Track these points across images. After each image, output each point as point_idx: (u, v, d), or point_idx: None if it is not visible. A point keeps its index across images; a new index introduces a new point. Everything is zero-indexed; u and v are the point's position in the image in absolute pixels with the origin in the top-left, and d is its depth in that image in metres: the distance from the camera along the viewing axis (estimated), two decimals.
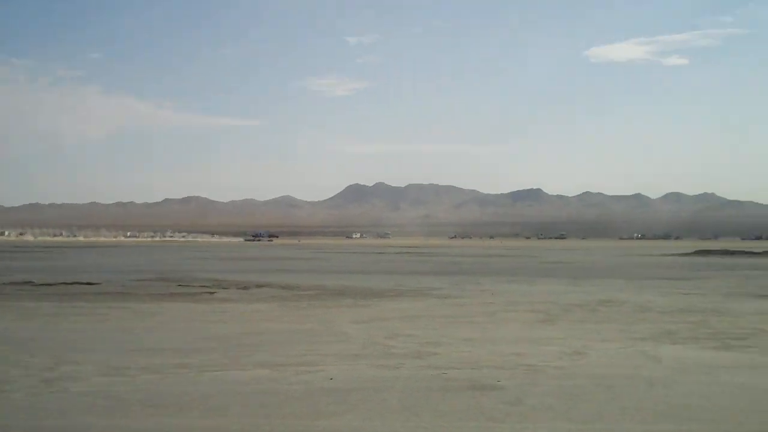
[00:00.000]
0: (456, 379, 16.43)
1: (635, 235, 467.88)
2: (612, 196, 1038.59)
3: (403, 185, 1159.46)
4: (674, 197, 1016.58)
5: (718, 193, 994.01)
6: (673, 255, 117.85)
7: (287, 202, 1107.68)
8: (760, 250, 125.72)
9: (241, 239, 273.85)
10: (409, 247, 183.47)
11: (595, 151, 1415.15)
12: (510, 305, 33.89)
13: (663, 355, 19.96)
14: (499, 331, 24.80)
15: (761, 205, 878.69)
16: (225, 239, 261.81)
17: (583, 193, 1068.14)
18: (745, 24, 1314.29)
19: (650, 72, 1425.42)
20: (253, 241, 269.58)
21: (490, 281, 51.81)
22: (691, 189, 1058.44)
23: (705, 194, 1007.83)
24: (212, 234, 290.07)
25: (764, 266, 77.64)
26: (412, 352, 20.25)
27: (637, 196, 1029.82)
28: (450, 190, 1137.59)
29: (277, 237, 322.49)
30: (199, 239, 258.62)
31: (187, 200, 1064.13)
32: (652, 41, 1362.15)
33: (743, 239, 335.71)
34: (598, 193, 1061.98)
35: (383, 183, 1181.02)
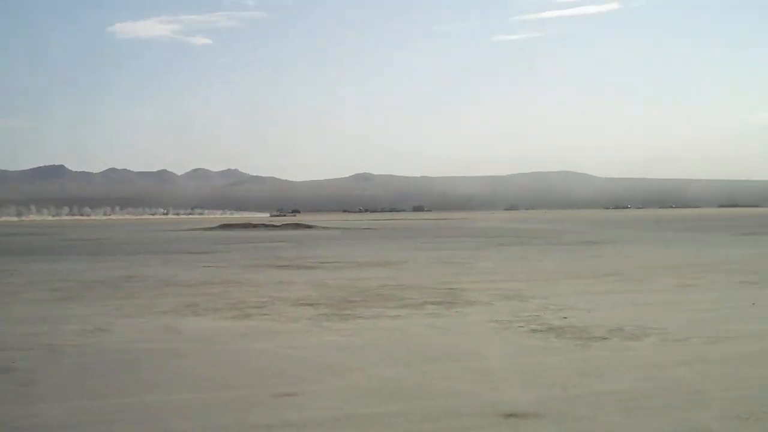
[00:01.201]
0: None
1: (162, 211, 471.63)
2: (138, 173, 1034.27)
3: None
4: (200, 173, 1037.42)
5: (242, 169, 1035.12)
6: (198, 229, 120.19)
7: None
8: (280, 224, 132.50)
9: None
10: None
11: (120, 128, 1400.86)
12: (28, 285, 32.38)
13: (184, 327, 20.26)
14: (15, 311, 23.61)
15: (281, 180, 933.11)
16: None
17: (108, 169, 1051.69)
18: (264, 8, 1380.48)
19: (179, 50, 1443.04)
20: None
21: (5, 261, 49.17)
22: (215, 165, 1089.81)
23: (229, 170, 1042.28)
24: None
25: (282, 238, 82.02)
26: None
27: (163, 173, 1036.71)
28: None
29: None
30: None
31: None
32: (176, 20, 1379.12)
33: (280, 211, 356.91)
34: (124, 170, 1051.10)
35: None
